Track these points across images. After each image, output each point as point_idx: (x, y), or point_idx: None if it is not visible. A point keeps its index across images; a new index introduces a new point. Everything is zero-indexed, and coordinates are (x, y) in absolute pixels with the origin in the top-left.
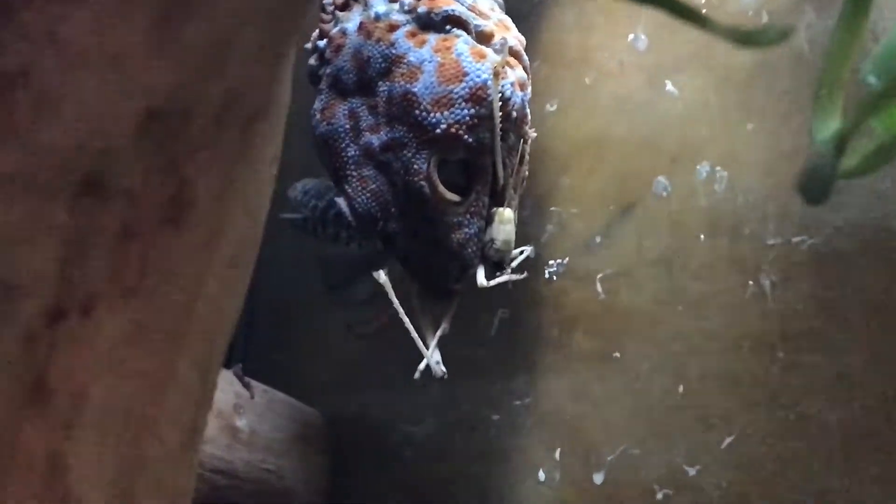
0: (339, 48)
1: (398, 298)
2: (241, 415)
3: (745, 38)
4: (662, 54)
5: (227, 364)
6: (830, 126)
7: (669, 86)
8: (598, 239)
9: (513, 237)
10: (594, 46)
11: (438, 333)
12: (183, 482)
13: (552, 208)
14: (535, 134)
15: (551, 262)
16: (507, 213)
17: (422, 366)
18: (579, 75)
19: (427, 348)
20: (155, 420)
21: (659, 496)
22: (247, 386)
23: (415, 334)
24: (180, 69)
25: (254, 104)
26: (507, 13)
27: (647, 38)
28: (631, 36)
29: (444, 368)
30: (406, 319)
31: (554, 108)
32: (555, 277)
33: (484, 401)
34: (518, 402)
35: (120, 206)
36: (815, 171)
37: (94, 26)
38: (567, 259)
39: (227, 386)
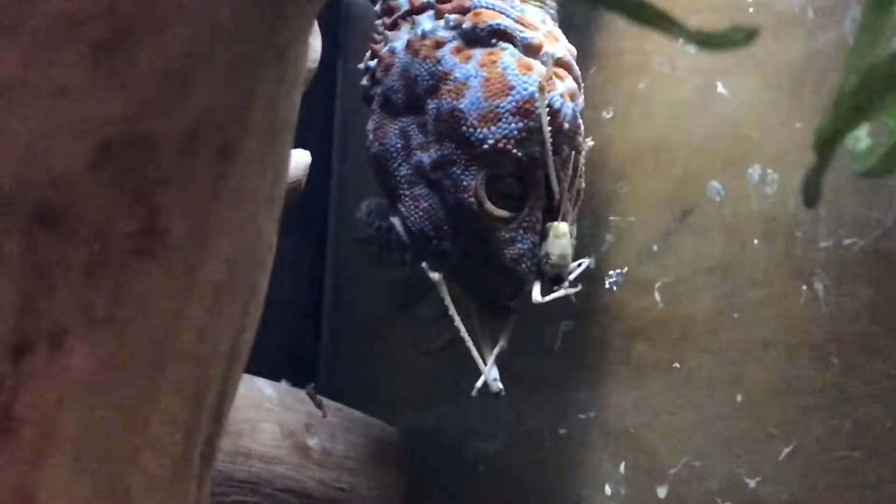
0: (388, 67)
1: (459, 314)
2: (312, 434)
3: (709, 40)
4: (713, 56)
5: (299, 384)
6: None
7: (720, 87)
8: (655, 247)
9: (569, 251)
10: (648, 51)
11: (496, 350)
12: None
13: (611, 217)
14: (591, 143)
15: (611, 272)
16: (561, 227)
17: (479, 383)
18: (634, 81)
19: (485, 365)
20: (136, 451)
21: None
22: (319, 405)
23: (474, 351)
24: (134, 98)
25: (226, 130)
26: (561, 22)
27: None
28: (682, 39)
29: (500, 385)
30: (466, 336)
31: (610, 115)
32: (615, 288)
33: (550, 415)
34: (583, 416)
35: (85, 238)
36: (808, 174)
37: (27, 60)
38: (626, 269)
39: (299, 405)
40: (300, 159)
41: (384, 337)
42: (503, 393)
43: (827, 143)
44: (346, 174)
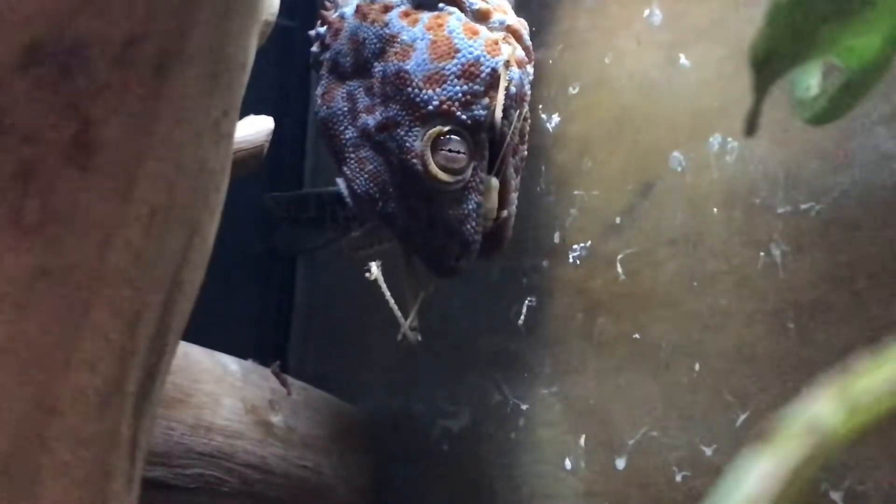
0: (337, 32)
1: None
2: (276, 411)
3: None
4: (677, 29)
5: (265, 362)
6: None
7: (683, 59)
8: (618, 220)
9: (494, 206)
10: (612, 26)
11: (419, 300)
12: (107, 434)
13: (575, 192)
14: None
15: (575, 246)
16: (492, 182)
17: (400, 333)
18: (600, 56)
19: (407, 316)
20: (66, 364)
21: (678, 478)
22: (283, 383)
23: (391, 302)
24: None
25: (163, 44)
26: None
27: (661, 12)
28: (647, 12)
29: (419, 336)
30: (386, 291)
31: (576, 90)
32: (578, 262)
33: (514, 391)
34: (546, 391)
35: (15, 142)
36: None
37: None
38: (590, 242)
39: (263, 382)
40: (263, 125)
41: (353, 322)
42: (419, 339)
43: (764, 62)
44: (320, 155)
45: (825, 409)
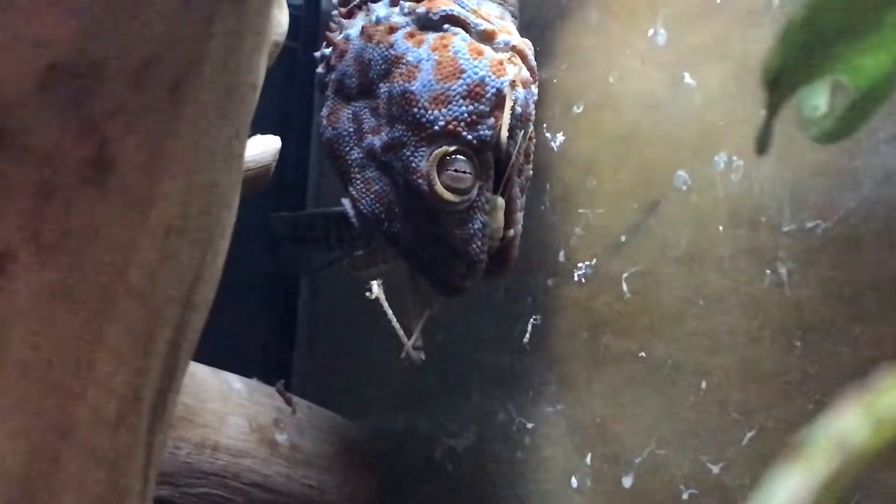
0: (342, 54)
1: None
2: (280, 429)
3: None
4: (681, 47)
5: (270, 381)
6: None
7: (688, 78)
8: (623, 238)
9: (501, 225)
10: (617, 45)
11: (422, 320)
12: (122, 453)
13: (580, 210)
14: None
15: (580, 265)
16: (498, 202)
17: (404, 352)
18: (604, 75)
19: (411, 335)
20: (82, 384)
21: (685, 496)
22: (288, 401)
23: (394, 321)
24: (82, 21)
25: (178, 66)
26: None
27: (665, 31)
28: (651, 31)
29: (423, 355)
30: (388, 310)
31: (581, 109)
32: (583, 280)
33: (519, 409)
34: (551, 409)
35: (35, 162)
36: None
37: None
38: (595, 261)
39: (268, 401)
40: (270, 144)
41: (358, 341)
42: (423, 358)
43: (775, 81)
44: (325, 172)
45: (851, 424)
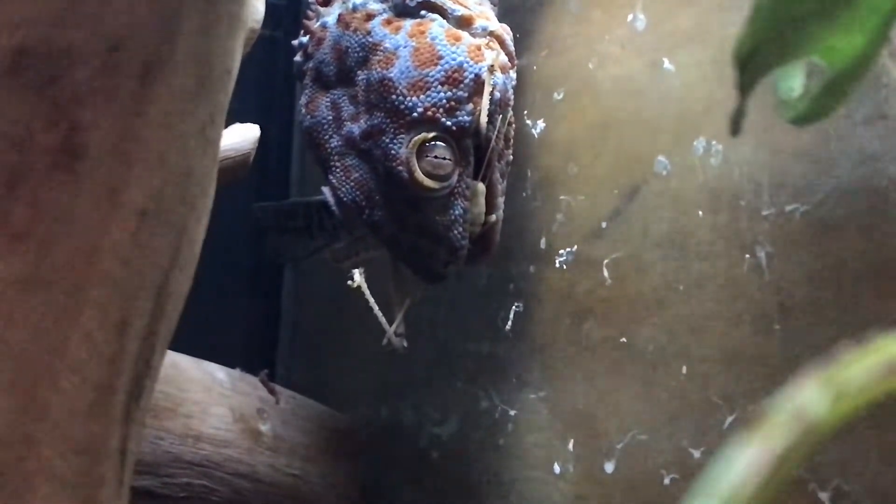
0: (320, 42)
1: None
2: (264, 419)
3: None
4: (660, 33)
5: (253, 371)
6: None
7: (667, 64)
8: (604, 224)
9: (482, 210)
10: (596, 31)
11: (404, 309)
12: (97, 440)
13: (561, 197)
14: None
15: (561, 251)
16: (478, 188)
17: (385, 338)
18: (584, 62)
19: (393, 322)
20: (55, 371)
21: (666, 481)
22: (272, 391)
23: (376, 309)
24: (51, 2)
25: (148, 50)
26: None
27: (645, 17)
28: (630, 17)
29: (405, 342)
30: (370, 298)
31: (561, 96)
32: (565, 267)
33: (502, 397)
34: (534, 396)
35: (3, 148)
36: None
37: None
38: (576, 247)
39: (251, 391)
40: (249, 133)
41: (341, 330)
42: (405, 346)
43: (747, 61)
44: (306, 164)
45: (811, 397)
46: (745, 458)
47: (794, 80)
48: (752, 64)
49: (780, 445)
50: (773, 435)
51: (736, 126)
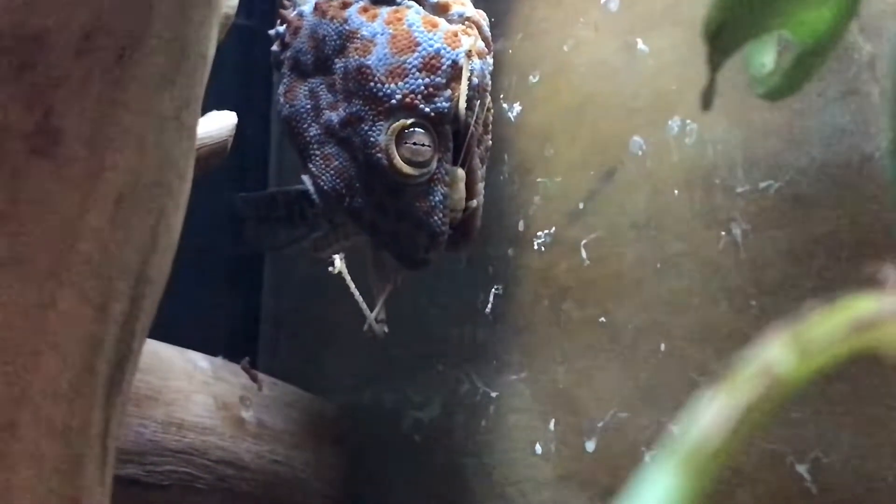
0: (296, 30)
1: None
2: (247, 407)
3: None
4: (633, 14)
5: (235, 359)
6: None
7: (641, 44)
8: (581, 206)
9: (462, 196)
10: (570, 14)
11: (384, 295)
12: (78, 424)
13: (538, 179)
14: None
15: (539, 233)
16: (458, 173)
17: (367, 325)
18: (559, 44)
19: (376, 306)
20: (36, 353)
21: (647, 458)
22: (254, 378)
23: (357, 295)
24: None
25: (122, 35)
26: None
27: None
28: None
29: (386, 329)
30: (353, 286)
31: (536, 79)
32: (543, 249)
33: (483, 379)
34: (514, 377)
35: None
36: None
37: None
38: (554, 229)
39: (233, 378)
40: (226, 120)
41: (322, 317)
42: (386, 331)
43: (717, 35)
44: (285, 153)
45: (777, 354)
46: (711, 412)
47: (765, 56)
48: (721, 39)
49: (746, 400)
50: (739, 390)
51: (707, 101)
